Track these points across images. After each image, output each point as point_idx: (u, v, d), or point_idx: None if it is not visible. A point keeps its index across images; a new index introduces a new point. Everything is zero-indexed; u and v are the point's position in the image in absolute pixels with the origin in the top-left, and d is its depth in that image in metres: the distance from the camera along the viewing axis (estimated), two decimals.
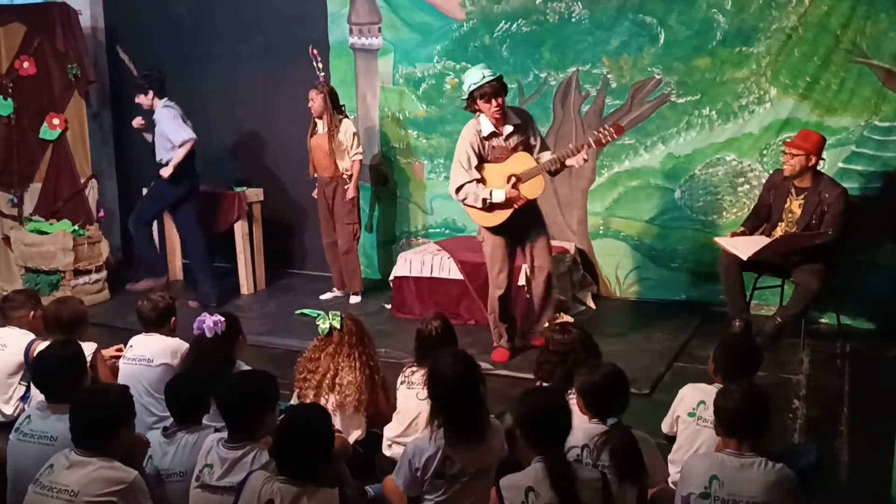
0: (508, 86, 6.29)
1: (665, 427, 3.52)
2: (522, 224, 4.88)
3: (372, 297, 6.49)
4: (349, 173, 6.13)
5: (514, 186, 4.72)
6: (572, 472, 2.65)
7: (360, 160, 6.20)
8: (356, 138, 6.15)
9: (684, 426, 3.34)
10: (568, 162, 4.71)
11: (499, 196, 4.73)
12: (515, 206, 4.75)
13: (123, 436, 2.89)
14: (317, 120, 6.17)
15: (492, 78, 4.64)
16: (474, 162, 4.78)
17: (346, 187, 6.14)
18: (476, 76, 4.66)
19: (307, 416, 2.79)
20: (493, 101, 4.64)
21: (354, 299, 6.40)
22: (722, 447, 2.84)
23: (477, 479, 2.93)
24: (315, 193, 6.37)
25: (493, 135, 4.78)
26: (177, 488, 3.04)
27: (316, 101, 6.07)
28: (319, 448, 2.70)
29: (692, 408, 3.32)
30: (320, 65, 6.19)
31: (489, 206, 4.76)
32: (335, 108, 6.12)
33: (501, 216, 4.80)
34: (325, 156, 6.13)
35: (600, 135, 4.68)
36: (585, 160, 4.71)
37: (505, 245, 4.93)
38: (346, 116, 6.24)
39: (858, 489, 3.57)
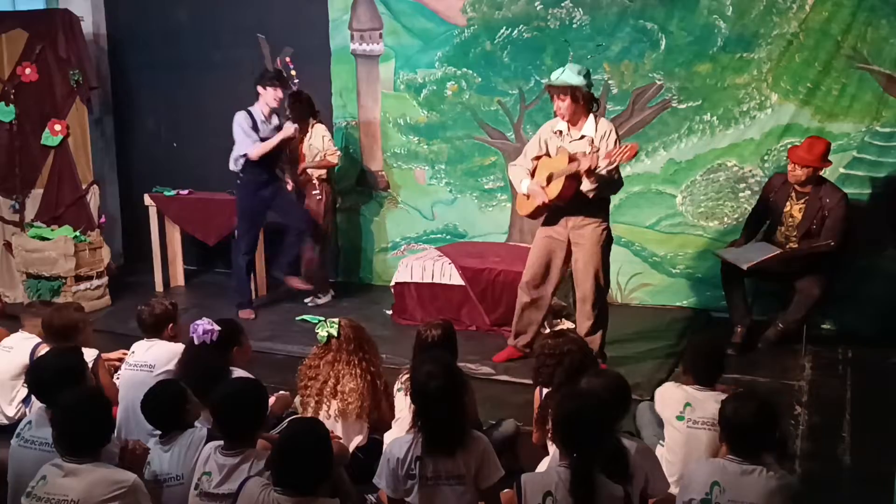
0: (509, 92, 6.40)
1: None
2: (565, 237, 4.75)
3: (373, 302, 6.49)
4: (318, 176, 6.30)
5: (546, 183, 4.63)
6: (594, 482, 2.62)
7: (331, 161, 6.32)
8: (324, 139, 6.27)
9: (672, 431, 3.32)
10: (582, 168, 4.48)
11: (525, 186, 4.72)
12: (537, 202, 4.67)
13: (108, 440, 2.89)
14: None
15: (556, 81, 4.54)
16: (533, 152, 4.77)
17: (313, 192, 6.29)
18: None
19: (306, 432, 2.74)
20: (554, 101, 4.61)
21: (322, 300, 6.48)
22: (724, 453, 2.83)
23: (451, 484, 2.91)
24: (290, 187, 6.45)
25: (562, 133, 4.71)
26: (175, 492, 3.04)
27: (293, 108, 6.17)
28: (318, 465, 2.66)
29: (678, 411, 3.31)
30: (293, 72, 6.24)
31: (527, 195, 4.76)
32: (311, 114, 6.22)
33: (528, 208, 4.79)
34: (299, 161, 6.29)
35: (616, 150, 4.42)
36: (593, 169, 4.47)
37: (541, 244, 4.85)
38: (320, 121, 6.33)
39: (860, 495, 3.56)
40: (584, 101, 4.57)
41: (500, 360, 5.06)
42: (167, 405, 3.20)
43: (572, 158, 4.52)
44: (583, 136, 4.62)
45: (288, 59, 6.25)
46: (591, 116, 4.62)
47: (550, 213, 4.76)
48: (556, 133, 4.73)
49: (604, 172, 4.48)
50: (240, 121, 5.96)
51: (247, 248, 6.28)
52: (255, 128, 5.95)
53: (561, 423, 2.73)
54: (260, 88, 5.95)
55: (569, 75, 4.51)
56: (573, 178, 4.51)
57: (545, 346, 3.56)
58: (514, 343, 5.10)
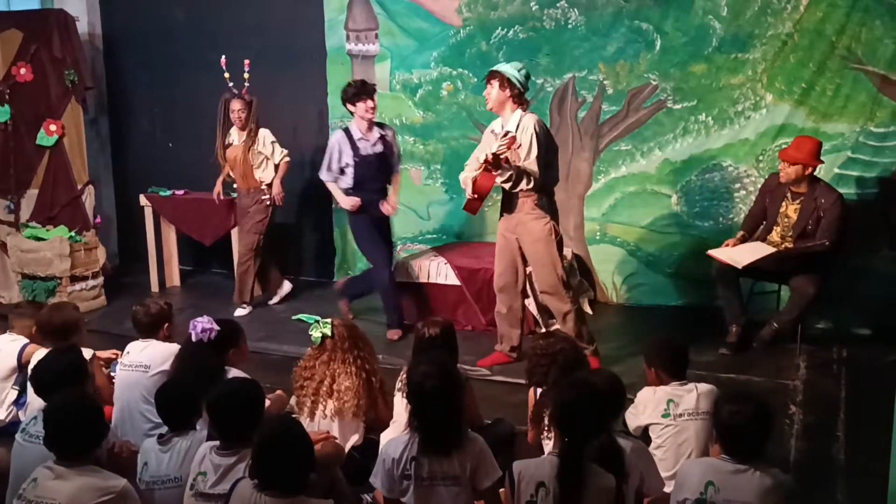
0: None
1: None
2: (513, 234, 4.85)
3: (369, 303, 6.48)
4: (267, 182, 6.18)
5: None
6: (583, 471, 2.66)
7: (288, 161, 6.25)
8: (274, 145, 6.17)
9: (660, 428, 3.38)
10: (481, 160, 4.60)
11: (462, 178, 4.85)
12: (467, 196, 4.77)
13: (101, 443, 2.88)
14: (235, 131, 6.16)
15: (495, 67, 4.76)
16: (480, 153, 4.83)
17: (262, 197, 6.17)
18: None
19: (280, 431, 2.74)
20: (487, 87, 4.77)
21: (241, 311, 6.25)
22: (717, 452, 2.85)
23: (447, 485, 2.91)
24: (218, 193, 6.38)
25: (495, 132, 4.82)
26: (173, 494, 3.04)
27: (243, 112, 6.04)
28: (297, 461, 2.66)
29: (663, 410, 3.38)
30: (246, 75, 6.09)
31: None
32: (255, 120, 6.11)
33: (465, 204, 4.84)
34: (242, 168, 6.15)
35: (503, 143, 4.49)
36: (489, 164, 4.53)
37: (501, 244, 4.93)
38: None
39: (855, 494, 3.57)
40: (511, 94, 4.68)
41: (485, 365, 5.04)
42: (184, 402, 3.21)
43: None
44: (507, 133, 4.68)
45: (246, 63, 6.07)
46: (518, 112, 4.73)
47: (502, 208, 4.85)
48: (492, 132, 4.87)
49: (522, 164, 4.57)
50: (334, 140, 5.64)
51: (383, 261, 5.68)
52: (353, 146, 5.55)
53: (561, 408, 2.77)
54: (349, 106, 5.54)
55: (506, 65, 4.73)
56: (487, 172, 4.59)
57: (537, 346, 3.61)
58: (501, 348, 5.11)
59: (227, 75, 6.07)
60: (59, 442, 2.78)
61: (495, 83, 4.70)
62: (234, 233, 6.67)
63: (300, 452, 2.68)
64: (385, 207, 5.68)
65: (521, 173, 4.59)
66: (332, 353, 3.73)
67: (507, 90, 4.67)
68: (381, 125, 5.70)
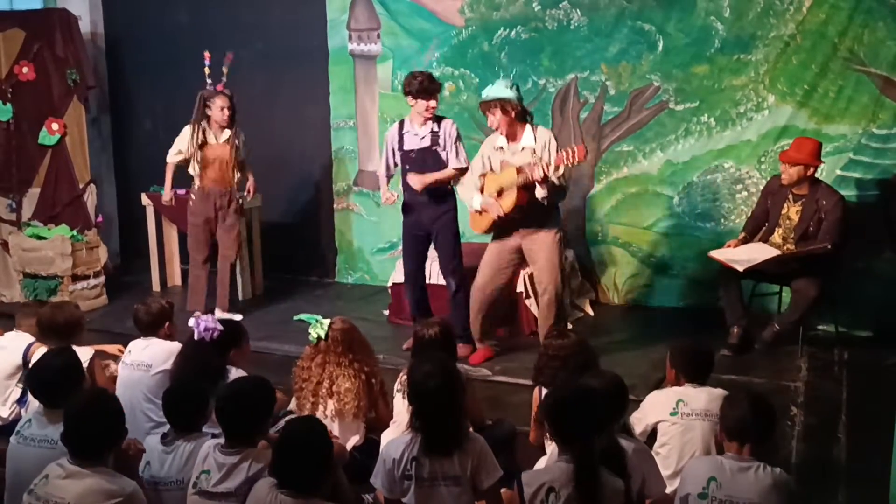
0: None
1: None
2: (517, 246, 4.90)
3: (370, 303, 6.49)
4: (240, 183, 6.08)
5: (497, 197, 4.78)
6: (599, 473, 2.66)
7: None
8: (245, 144, 6.08)
9: (667, 426, 3.38)
10: (535, 176, 4.55)
11: (478, 202, 4.86)
12: (492, 216, 4.81)
13: (118, 445, 2.88)
14: (218, 131, 5.92)
15: (486, 97, 4.74)
16: (478, 170, 4.93)
17: (237, 196, 6.04)
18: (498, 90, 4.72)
19: (305, 431, 2.76)
20: (488, 117, 4.77)
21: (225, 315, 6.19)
22: (723, 450, 2.87)
23: (448, 485, 2.90)
24: (167, 199, 6.22)
25: (503, 148, 4.86)
26: (174, 497, 3.03)
27: (228, 111, 5.83)
28: (319, 462, 2.68)
29: (671, 408, 3.39)
30: (225, 69, 5.95)
31: (479, 211, 4.91)
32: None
33: (483, 223, 4.93)
34: (225, 168, 5.93)
35: (563, 154, 4.52)
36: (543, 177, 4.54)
37: (494, 254, 4.99)
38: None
39: (856, 496, 3.56)
40: (516, 113, 4.71)
41: (478, 362, 5.07)
42: (192, 404, 3.20)
43: (520, 170, 4.64)
44: (524, 148, 4.75)
45: (227, 57, 5.95)
46: (528, 127, 4.77)
47: (502, 226, 4.88)
48: (497, 149, 4.88)
49: (554, 179, 4.62)
50: (387, 132, 5.35)
51: (406, 276, 5.42)
52: (400, 139, 5.14)
53: (551, 414, 2.77)
54: (409, 99, 5.03)
55: (496, 89, 4.72)
56: (524, 188, 4.65)
57: (549, 346, 3.58)
58: (484, 345, 5.18)
59: (207, 70, 5.92)
60: (77, 440, 2.77)
61: (496, 112, 4.69)
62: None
63: (322, 453, 2.70)
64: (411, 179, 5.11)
65: (557, 188, 4.68)
66: (325, 355, 3.73)
67: (511, 112, 4.68)
68: (438, 119, 5.12)
